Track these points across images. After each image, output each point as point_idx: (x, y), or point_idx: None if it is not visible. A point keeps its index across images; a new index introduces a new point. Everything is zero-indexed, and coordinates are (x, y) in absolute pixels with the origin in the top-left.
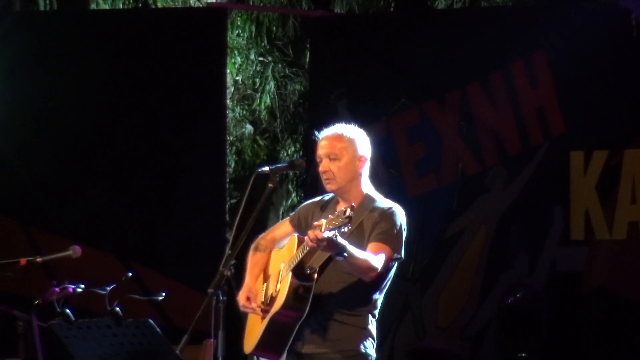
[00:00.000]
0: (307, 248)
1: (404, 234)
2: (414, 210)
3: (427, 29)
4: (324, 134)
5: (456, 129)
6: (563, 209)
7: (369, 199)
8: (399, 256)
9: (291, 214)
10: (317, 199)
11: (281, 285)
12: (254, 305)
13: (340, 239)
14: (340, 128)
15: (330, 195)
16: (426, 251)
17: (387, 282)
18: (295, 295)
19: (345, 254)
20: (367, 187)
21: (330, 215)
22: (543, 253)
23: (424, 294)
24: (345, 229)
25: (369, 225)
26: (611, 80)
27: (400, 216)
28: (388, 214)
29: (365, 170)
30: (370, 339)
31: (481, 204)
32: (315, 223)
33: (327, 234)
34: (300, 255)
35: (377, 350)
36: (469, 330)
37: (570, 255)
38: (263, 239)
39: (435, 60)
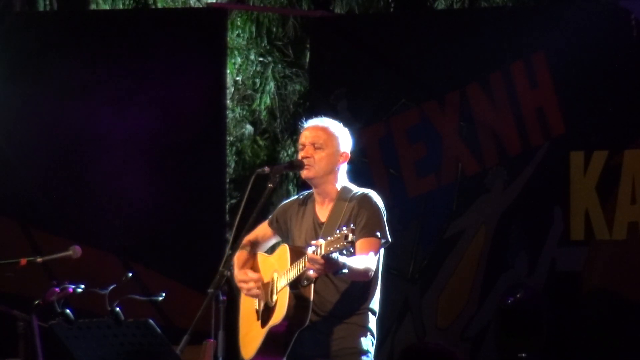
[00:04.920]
0: (305, 267)
1: (385, 216)
2: (414, 211)
3: (427, 29)
4: (311, 124)
5: (456, 129)
6: (563, 210)
7: (345, 191)
8: (385, 241)
9: (269, 216)
10: (293, 198)
11: (279, 297)
12: (252, 276)
13: (340, 259)
14: (327, 121)
15: (306, 193)
16: (426, 251)
17: (380, 271)
18: (296, 307)
19: (345, 270)
20: (343, 181)
21: (329, 237)
22: (543, 253)
23: (424, 294)
24: (348, 252)
25: (349, 215)
26: (611, 80)
27: (376, 199)
28: (364, 202)
29: (344, 166)
30: (370, 335)
31: (481, 204)
32: (313, 242)
33: (328, 257)
34: (299, 272)
35: (377, 349)
36: (469, 330)
37: (570, 256)
38: (248, 240)
39: (435, 61)
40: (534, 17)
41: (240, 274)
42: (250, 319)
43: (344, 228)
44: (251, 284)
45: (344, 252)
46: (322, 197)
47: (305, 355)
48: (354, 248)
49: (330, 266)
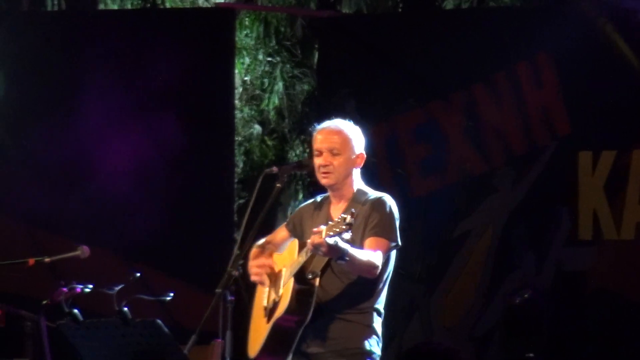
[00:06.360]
0: (309, 254)
1: (397, 220)
2: (419, 210)
3: (435, 29)
4: (324, 127)
5: (462, 129)
6: (570, 210)
7: (360, 193)
8: (395, 244)
9: (287, 220)
10: (310, 201)
11: (284, 291)
12: (264, 262)
13: (341, 244)
14: (340, 123)
15: (323, 195)
16: (433, 251)
17: (389, 274)
18: (298, 301)
19: (347, 258)
20: (358, 182)
21: (330, 222)
22: (550, 253)
23: (431, 294)
24: (347, 236)
25: (361, 219)
26: (618, 79)
27: (390, 204)
28: (378, 204)
29: (360, 167)
30: (374, 336)
31: (488, 204)
32: (315, 229)
33: (328, 240)
34: (302, 261)
35: (385, 349)
36: (476, 330)
37: (578, 256)
38: (265, 240)
39: (441, 60)
40: (540, 17)
41: (253, 262)
42: (259, 317)
43: (343, 214)
44: (261, 270)
45: (343, 235)
46: (337, 198)
47: (309, 354)
48: (352, 231)
49: (331, 250)
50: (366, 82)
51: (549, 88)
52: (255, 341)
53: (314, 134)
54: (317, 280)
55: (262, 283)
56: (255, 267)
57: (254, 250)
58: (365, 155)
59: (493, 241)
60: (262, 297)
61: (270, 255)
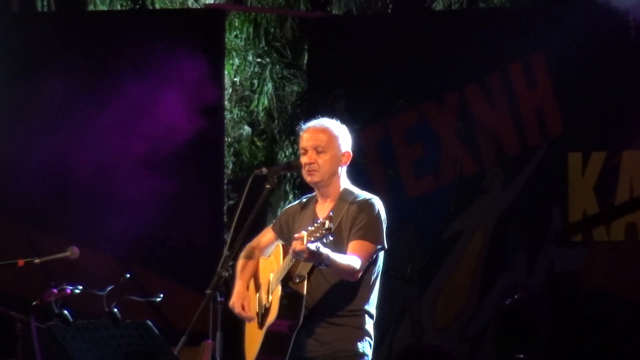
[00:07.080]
0: (293, 260)
1: (384, 223)
2: (412, 211)
3: (425, 30)
4: (310, 126)
5: (454, 130)
6: (561, 210)
7: (347, 193)
8: (381, 247)
9: (273, 221)
10: (296, 202)
11: (273, 297)
12: (250, 314)
13: (322, 250)
14: (327, 122)
15: (309, 195)
16: (424, 252)
17: (377, 276)
18: (288, 305)
19: (328, 263)
20: (344, 181)
21: (310, 227)
22: (541, 254)
23: (423, 294)
24: (327, 240)
25: (348, 220)
26: (609, 81)
27: (378, 206)
28: (365, 206)
29: (346, 165)
30: (367, 338)
31: (479, 205)
32: (296, 235)
33: (310, 246)
34: (288, 267)
35: (376, 351)
36: (468, 331)
37: (569, 256)
38: (250, 246)
39: (433, 62)
40: (533, 18)
41: (237, 305)
42: (252, 324)
43: (321, 220)
44: (246, 318)
45: (324, 240)
46: (324, 197)
47: (302, 358)
48: (333, 236)
49: (313, 255)
50: (357, 84)
51: (542, 89)
52: (251, 348)
53: (301, 133)
54: (305, 283)
55: (248, 320)
56: (239, 310)
57: (240, 263)
58: (351, 154)
59: (484, 242)
60: (254, 303)
61: (257, 262)
